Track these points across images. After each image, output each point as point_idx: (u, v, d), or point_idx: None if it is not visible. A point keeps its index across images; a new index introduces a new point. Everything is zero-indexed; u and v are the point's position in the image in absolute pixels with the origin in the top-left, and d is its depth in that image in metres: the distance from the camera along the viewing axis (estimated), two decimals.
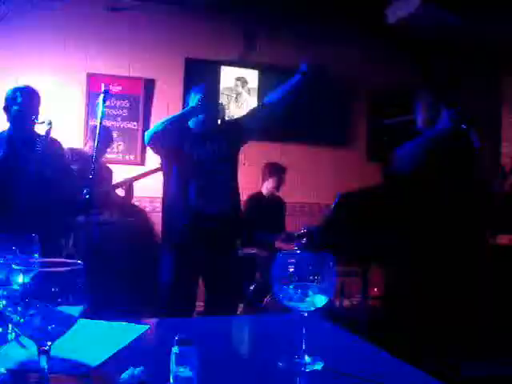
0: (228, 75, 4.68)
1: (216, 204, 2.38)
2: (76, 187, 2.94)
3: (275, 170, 4.07)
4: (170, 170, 2.48)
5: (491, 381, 2.68)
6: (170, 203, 2.48)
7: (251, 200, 3.97)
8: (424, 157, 2.15)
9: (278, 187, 4.09)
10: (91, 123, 3.98)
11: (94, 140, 2.37)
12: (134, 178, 3.49)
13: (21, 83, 2.84)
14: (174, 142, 2.38)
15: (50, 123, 2.61)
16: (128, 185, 3.49)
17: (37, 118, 2.63)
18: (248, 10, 4.52)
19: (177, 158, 2.41)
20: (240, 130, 2.55)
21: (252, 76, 4.77)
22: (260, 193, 4.08)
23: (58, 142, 2.79)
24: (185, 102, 2.61)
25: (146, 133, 2.52)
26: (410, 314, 2.28)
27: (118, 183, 3.49)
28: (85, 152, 3.48)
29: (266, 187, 4.07)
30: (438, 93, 2.35)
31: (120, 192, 3.60)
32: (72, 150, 3.47)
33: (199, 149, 2.39)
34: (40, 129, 2.66)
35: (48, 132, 2.59)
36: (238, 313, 3.43)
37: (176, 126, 2.37)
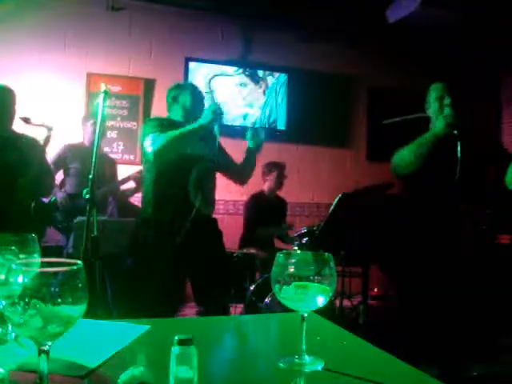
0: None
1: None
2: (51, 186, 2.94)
3: (274, 166, 4.10)
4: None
5: (491, 381, 2.68)
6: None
7: (253, 199, 4.06)
8: (418, 161, 2.19)
9: (279, 183, 4.10)
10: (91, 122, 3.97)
11: (94, 135, 2.34)
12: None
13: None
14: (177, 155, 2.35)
15: (50, 129, 2.57)
16: (140, 177, 3.49)
17: (13, 117, 2.58)
18: (247, 10, 4.52)
19: None
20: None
21: (252, 76, 4.78)
22: (262, 192, 4.12)
23: (41, 147, 2.74)
24: (173, 99, 2.53)
25: (147, 144, 2.37)
26: (409, 313, 2.28)
27: (127, 177, 3.48)
28: (84, 146, 3.46)
29: (268, 185, 4.11)
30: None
31: (129, 184, 3.59)
32: (70, 145, 3.46)
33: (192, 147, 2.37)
34: (39, 133, 2.61)
35: (48, 138, 2.55)
36: (238, 313, 3.43)
37: (182, 143, 2.31)
